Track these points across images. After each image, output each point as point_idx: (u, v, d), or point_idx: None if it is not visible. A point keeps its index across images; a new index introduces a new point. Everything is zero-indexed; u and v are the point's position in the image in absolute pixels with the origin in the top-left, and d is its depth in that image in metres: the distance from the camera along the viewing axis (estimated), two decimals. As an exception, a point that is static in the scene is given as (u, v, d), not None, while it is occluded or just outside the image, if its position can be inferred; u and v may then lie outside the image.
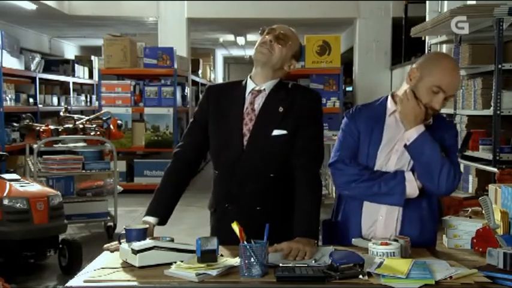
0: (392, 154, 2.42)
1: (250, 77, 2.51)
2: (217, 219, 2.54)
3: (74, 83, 11.63)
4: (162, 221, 2.48)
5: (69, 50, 16.13)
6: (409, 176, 2.37)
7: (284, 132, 2.41)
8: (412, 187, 2.36)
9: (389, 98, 2.49)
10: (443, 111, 6.44)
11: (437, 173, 2.32)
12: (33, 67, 9.30)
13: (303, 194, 2.38)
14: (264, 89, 2.47)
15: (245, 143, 2.42)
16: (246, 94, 2.48)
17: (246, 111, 2.45)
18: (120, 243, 2.25)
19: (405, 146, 2.37)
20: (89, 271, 2.06)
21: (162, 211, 2.49)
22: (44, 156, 6.20)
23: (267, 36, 2.44)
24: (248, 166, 2.42)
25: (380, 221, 2.42)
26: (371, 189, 2.37)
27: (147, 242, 2.14)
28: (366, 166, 2.42)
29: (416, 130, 2.34)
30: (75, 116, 6.91)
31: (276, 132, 2.41)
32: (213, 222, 2.58)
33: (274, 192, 2.44)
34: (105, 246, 2.34)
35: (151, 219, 2.45)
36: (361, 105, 2.60)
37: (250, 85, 2.49)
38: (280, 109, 2.42)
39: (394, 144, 2.42)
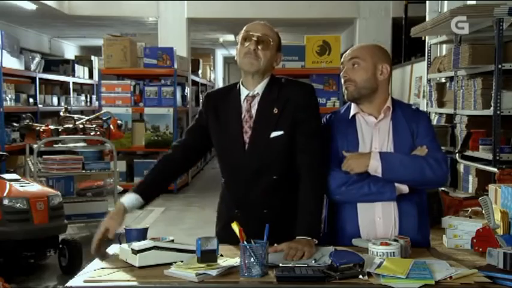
0: (372, 151, 2.43)
1: (242, 83, 2.50)
2: (229, 223, 2.49)
3: (74, 83, 11.63)
4: (143, 201, 2.42)
5: (69, 50, 16.13)
6: None
7: (281, 132, 2.41)
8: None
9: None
10: (444, 111, 6.48)
11: (420, 175, 2.36)
12: (33, 67, 9.30)
13: (306, 193, 2.38)
14: (258, 93, 2.46)
15: (246, 150, 2.43)
16: (241, 101, 2.47)
17: (244, 119, 2.45)
18: (120, 242, 2.26)
19: None
20: (89, 271, 2.06)
21: (144, 189, 2.45)
22: (44, 156, 6.20)
23: (247, 44, 2.41)
24: (251, 171, 2.42)
25: (378, 222, 2.43)
26: (361, 191, 2.39)
27: (147, 242, 2.14)
28: None
29: (375, 160, 2.36)
30: (75, 116, 6.90)
31: (273, 134, 2.41)
32: (223, 223, 2.51)
33: (279, 194, 2.44)
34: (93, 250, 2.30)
35: (127, 200, 2.40)
36: (331, 113, 2.64)
37: (243, 92, 2.48)
38: (275, 110, 2.42)
39: (370, 142, 2.45)
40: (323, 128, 2.53)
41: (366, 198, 2.40)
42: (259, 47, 2.41)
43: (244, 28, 2.47)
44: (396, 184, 2.37)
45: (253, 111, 2.45)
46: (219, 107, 2.52)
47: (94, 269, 2.09)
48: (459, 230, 2.54)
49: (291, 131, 2.41)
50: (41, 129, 6.31)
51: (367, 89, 2.45)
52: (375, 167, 2.36)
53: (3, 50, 7.86)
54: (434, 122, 6.86)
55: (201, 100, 2.64)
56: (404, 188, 2.39)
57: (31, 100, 9.15)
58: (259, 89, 2.46)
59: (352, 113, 2.50)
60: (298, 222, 2.34)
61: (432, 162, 2.36)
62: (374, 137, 2.45)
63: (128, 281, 1.98)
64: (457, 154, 5.38)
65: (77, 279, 1.99)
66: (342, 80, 2.50)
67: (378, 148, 2.44)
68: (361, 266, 1.99)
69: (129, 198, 2.41)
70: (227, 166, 2.53)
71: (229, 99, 2.51)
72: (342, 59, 2.53)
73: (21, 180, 5.11)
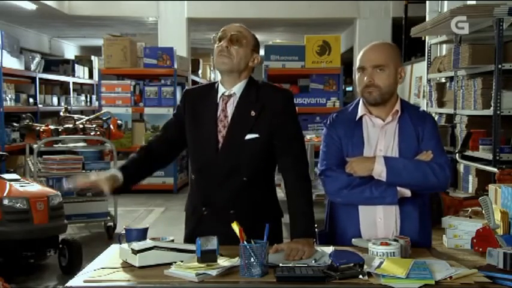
0: (377, 156, 2.43)
1: (220, 82, 2.50)
2: (196, 223, 2.51)
3: (74, 83, 11.62)
4: (124, 185, 2.45)
5: (69, 50, 16.13)
6: None
7: (256, 135, 2.40)
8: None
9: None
10: (444, 111, 6.48)
11: (424, 180, 2.36)
12: (33, 67, 9.30)
13: (295, 195, 2.39)
14: (234, 93, 2.46)
15: (219, 149, 2.42)
16: (218, 99, 2.47)
17: (220, 118, 2.45)
18: (120, 242, 2.26)
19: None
20: (89, 271, 2.06)
21: (127, 175, 2.47)
22: (44, 156, 6.20)
23: (221, 43, 2.42)
24: (222, 171, 2.42)
25: (379, 222, 2.42)
26: (363, 195, 2.39)
27: (147, 242, 2.14)
28: None
29: (379, 164, 2.35)
30: (75, 116, 6.91)
31: (248, 136, 2.40)
32: (191, 225, 2.54)
33: (247, 196, 2.43)
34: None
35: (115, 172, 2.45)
36: (337, 112, 2.63)
37: (221, 90, 2.48)
38: (253, 113, 2.42)
39: (375, 144, 2.45)
40: (328, 126, 2.53)
41: (368, 201, 2.40)
42: (232, 45, 2.41)
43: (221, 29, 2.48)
44: (398, 188, 2.37)
45: (229, 110, 2.45)
46: (197, 104, 2.52)
47: (94, 269, 2.09)
48: (459, 230, 2.54)
49: (267, 136, 2.41)
50: (41, 129, 6.31)
51: (389, 94, 2.44)
52: (379, 171, 2.35)
53: (3, 50, 7.86)
54: (435, 122, 6.85)
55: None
56: (406, 192, 2.38)
57: (31, 100, 9.14)
58: (236, 89, 2.46)
59: (359, 115, 2.49)
60: (293, 224, 2.35)
61: (436, 167, 2.36)
62: (380, 139, 2.44)
63: (128, 281, 1.98)
64: (457, 154, 5.38)
65: (77, 279, 1.99)
66: (363, 84, 2.43)
67: (382, 150, 2.42)
68: (361, 266, 2.00)
69: (116, 172, 2.44)
70: (198, 164, 2.51)
71: (207, 97, 2.51)
72: (362, 62, 2.44)
73: (21, 180, 5.11)
